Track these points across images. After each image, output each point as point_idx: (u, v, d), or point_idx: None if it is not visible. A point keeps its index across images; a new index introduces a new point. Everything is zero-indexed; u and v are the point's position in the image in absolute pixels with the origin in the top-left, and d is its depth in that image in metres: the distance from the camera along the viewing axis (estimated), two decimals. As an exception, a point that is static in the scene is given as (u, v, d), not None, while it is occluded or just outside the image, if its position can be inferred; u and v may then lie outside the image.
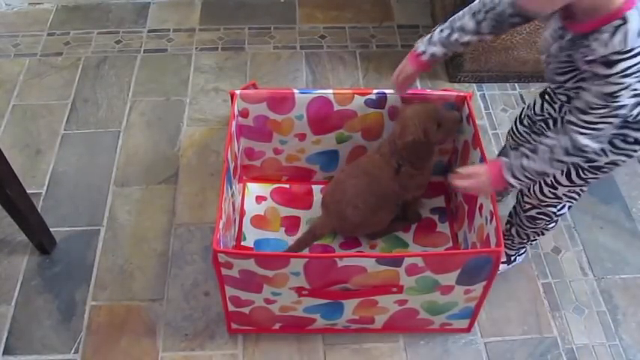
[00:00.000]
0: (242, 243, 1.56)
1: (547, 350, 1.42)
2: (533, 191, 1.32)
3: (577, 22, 1.01)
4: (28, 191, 1.45)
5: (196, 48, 2.11)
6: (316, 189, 1.68)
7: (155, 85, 1.98)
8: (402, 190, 1.48)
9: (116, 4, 2.26)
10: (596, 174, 1.22)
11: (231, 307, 1.33)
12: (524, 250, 1.53)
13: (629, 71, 0.96)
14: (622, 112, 1.01)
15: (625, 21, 0.94)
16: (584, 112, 1.03)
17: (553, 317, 1.47)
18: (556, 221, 1.40)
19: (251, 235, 1.58)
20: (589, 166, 1.21)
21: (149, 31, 2.17)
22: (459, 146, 1.52)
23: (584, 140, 1.05)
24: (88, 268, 1.53)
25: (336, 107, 1.51)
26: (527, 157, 1.12)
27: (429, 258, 1.20)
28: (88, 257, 1.55)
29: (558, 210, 1.35)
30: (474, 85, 1.99)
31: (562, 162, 1.09)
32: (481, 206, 1.34)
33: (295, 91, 1.49)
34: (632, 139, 1.15)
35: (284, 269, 1.19)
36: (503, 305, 1.48)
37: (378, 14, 2.25)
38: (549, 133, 1.11)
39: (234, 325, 1.40)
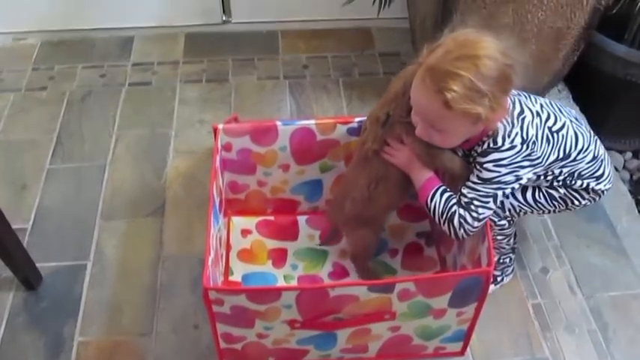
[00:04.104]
0: (230, 278, 1.55)
1: (539, 371, 1.42)
2: None
3: (462, 143, 1.25)
4: (13, 226, 1.43)
5: (180, 80, 2.12)
6: (301, 220, 1.68)
7: (140, 118, 1.98)
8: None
9: (100, 39, 2.27)
10: (547, 204, 1.39)
11: (223, 344, 1.32)
12: (510, 270, 1.55)
13: (500, 160, 1.21)
14: (491, 203, 1.25)
15: (494, 131, 1.21)
16: (466, 189, 1.26)
17: (544, 338, 1.48)
18: (506, 235, 1.45)
19: (238, 270, 1.57)
20: (546, 190, 1.37)
21: (133, 65, 2.18)
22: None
23: (460, 210, 1.25)
24: (75, 304, 1.52)
25: (319, 137, 1.52)
26: (448, 196, 1.28)
27: (420, 282, 1.20)
28: (75, 292, 1.54)
29: (498, 221, 1.40)
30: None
31: (444, 218, 1.28)
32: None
33: (278, 122, 1.50)
34: (577, 187, 1.37)
35: (276, 303, 1.19)
36: (494, 328, 1.48)
37: (359, 43, 2.28)
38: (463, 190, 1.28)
39: (226, 361, 1.38)
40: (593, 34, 1.79)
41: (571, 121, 1.31)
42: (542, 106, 1.28)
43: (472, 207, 1.24)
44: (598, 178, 1.35)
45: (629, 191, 1.83)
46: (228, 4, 2.27)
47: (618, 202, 1.77)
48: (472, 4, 1.62)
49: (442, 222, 1.27)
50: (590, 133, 1.35)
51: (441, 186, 1.29)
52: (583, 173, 1.33)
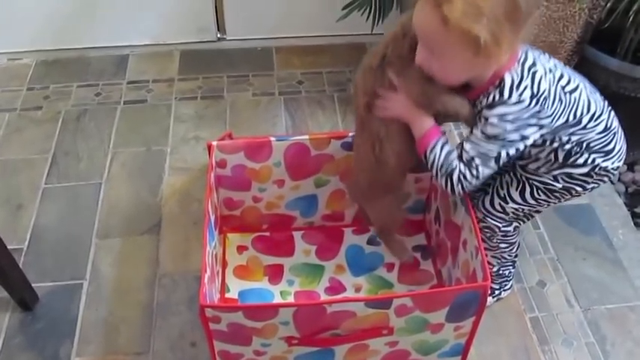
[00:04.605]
0: (226, 295, 1.55)
1: (538, 385, 1.42)
2: (482, 202, 1.37)
3: (468, 91, 1.19)
4: (9, 247, 1.43)
5: (176, 97, 2.13)
6: (297, 235, 1.68)
7: (136, 136, 1.99)
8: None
9: (95, 57, 2.28)
10: (550, 197, 1.31)
11: (220, 363, 1.31)
12: (508, 285, 1.54)
13: (506, 115, 1.13)
14: (493, 163, 1.18)
15: (502, 81, 1.13)
16: (468, 144, 1.19)
17: (542, 351, 1.47)
18: (510, 243, 1.44)
19: (235, 287, 1.57)
20: (544, 187, 1.30)
21: (128, 83, 2.19)
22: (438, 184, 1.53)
23: (460, 165, 1.20)
24: (71, 323, 1.51)
25: (313, 152, 1.52)
26: (445, 147, 1.21)
27: (418, 297, 1.19)
28: (72, 312, 1.53)
29: (503, 227, 1.38)
30: (451, 123, 2.02)
31: (442, 171, 1.22)
32: (465, 241, 1.35)
33: (272, 138, 1.50)
34: (577, 175, 1.27)
35: (273, 320, 1.18)
36: (492, 342, 1.48)
37: (353, 58, 2.29)
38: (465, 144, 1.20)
39: (224, 379, 1.37)
40: (586, 48, 1.81)
41: (585, 86, 1.23)
42: (555, 65, 1.19)
43: (473, 164, 1.18)
44: (607, 153, 1.26)
45: (625, 203, 1.83)
46: (222, 22, 2.29)
47: (614, 215, 1.78)
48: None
49: (440, 176, 1.22)
50: (604, 102, 1.26)
51: (441, 138, 1.22)
52: (592, 145, 1.24)
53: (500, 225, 1.38)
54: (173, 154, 1.93)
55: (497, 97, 1.13)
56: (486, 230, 1.41)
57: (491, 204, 1.36)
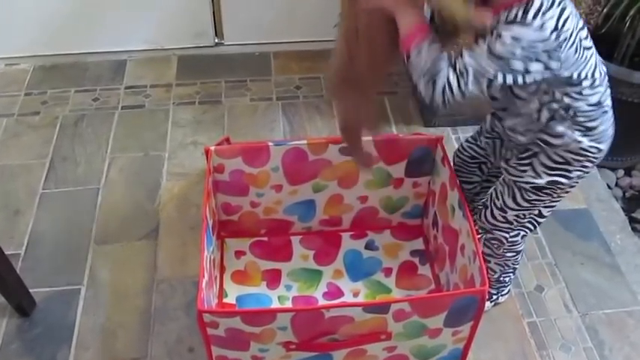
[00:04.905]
0: (224, 300, 1.54)
1: (536, 390, 1.42)
2: (485, 216, 1.36)
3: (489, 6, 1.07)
4: (6, 252, 1.42)
5: (174, 103, 2.13)
6: (295, 240, 1.68)
7: (133, 141, 1.98)
8: None
9: (93, 63, 2.28)
10: (540, 195, 1.28)
11: (218, 367, 1.31)
12: (506, 290, 1.54)
13: (521, 39, 1.03)
14: (484, 85, 1.07)
15: (528, 2, 1.03)
16: (468, 54, 1.08)
17: (541, 356, 1.47)
18: (517, 252, 1.43)
19: (233, 292, 1.57)
20: (530, 187, 1.26)
21: (126, 88, 2.19)
22: (436, 189, 1.54)
23: (450, 72, 1.08)
24: (69, 329, 1.50)
25: (311, 157, 1.52)
26: (434, 48, 1.09)
27: (416, 302, 1.19)
28: (69, 317, 1.53)
29: (511, 237, 1.38)
30: (449, 129, 2.03)
31: (427, 75, 1.09)
32: (463, 246, 1.35)
33: (269, 143, 1.50)
34: (559, 159, 1.21)
35: (271, 325, 1.18)
36: (490, 347, 1.48)
37: (351, 63, 2.29)
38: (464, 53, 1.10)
39: (221, 384, 1.37)
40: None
41: (599, 52, 1.17)
42: (579, 16, 1.11)
43: (465, 76, 1.08)
44: (588, 129, 1.18)
45: (622, 208, 1.84)
46: (220, 27, 2.29)
47: (612, 219, 1.78)
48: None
49: (422, 79, 1.10)
50: (606, 77, 1.19)
51: (429, 37, 1.09)
52: (577, 115, 1.16)
53: (507, 235, 1.38)
54: (171, 159, 1.93)
55: (519, 16, 1.03)
56: (494, 242, 1.40)
57: (493, 216, 1.35)
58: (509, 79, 1.07)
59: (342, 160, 1.53)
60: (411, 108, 2.12)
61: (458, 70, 1.08)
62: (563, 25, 1.04)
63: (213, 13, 2.26)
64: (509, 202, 1.32)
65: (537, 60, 1.05)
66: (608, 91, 1.20)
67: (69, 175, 1.87)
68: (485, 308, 1.50)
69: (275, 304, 1.54)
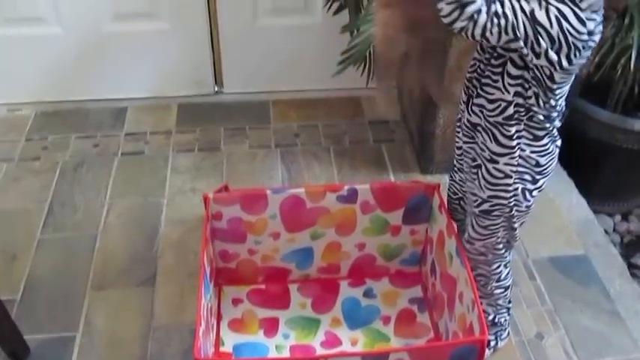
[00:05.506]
0: (221, 349, 1.53)
1: None
2: (465, 254, 1.37)
3: None
4: (1, 298, 1.42)
5: (173, 149, 2.15)
6: (293, 288, 1.67)
7: (132, 187, 1.99)
8: None
9: (94, 109, 2.30)
10: (491, 219, 1.30)
11: (213, 415, 1.29)
12: (505, 334, 1.53)
13: (564, 20, 1.00)
14: (504, 41, 1.04)
15: None
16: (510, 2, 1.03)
17: (541, 406, 1.45)
18: (505, 287, 1.43)
19: (230, 340, 1.55)
20: (479, 211, 1.29)
21: (126, 134, 2.21)
22: (434, 236, 1.54)
23: (483, 7, 1.01)
24: (63, 377, 1.49)
25: (309, 205, 1.53)
26: None
27: (414, 352, 1.19)
28: (64, 365, 1.51)
29: (493, 270, 1.39)
30: (446, 175, 2.03)
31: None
32: (461, 294, 1.35)
33: (268, 191, 1.51)
34: (499, 174, 1.23)
35: (267, 372, 1.17)
36: (490, 396, 1.46)
37: (349, 111, 2.33)
38: None
39: None
40: (577, 101, 1.84)
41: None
42: None
43: (495, 21, 1.02)
44: (535, 139, 1.20)
45: (620, 254, 1.84)
46: (220, 75, 2.33)
47: (610, 265, 1.77)
48: (458, 74, 1.66)
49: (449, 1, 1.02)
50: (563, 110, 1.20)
51: None
52: (533, 120, 1.17)
53: (488, 268, 1.39)
54: (169, 206, 1.93)
55: None
56: (480, 278, 1.41)
57: (467, 250, 1.38)
58: (527, 50, 1.04)
59: (339, 207, 1.54)
60: (409, 155, 2.14)
61: (493, 12, 1.02)
62: (594, 34, 1.04)
63: (214, 62, 2.30)
64: (472, 232, 1.34)
65: (560, 47, 1.03)
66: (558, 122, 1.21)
67: (67, 221, 1.88)
68: (485, 356, 1.49)
69: (272, 353, 1.52)
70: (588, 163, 1.95)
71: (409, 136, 2.20)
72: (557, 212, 1.91)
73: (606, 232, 1.93)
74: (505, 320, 1.52)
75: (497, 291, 1.44)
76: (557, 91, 1.14)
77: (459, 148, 1.34)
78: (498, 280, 1.42)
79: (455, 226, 1.44)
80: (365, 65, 1.81)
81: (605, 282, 1.73)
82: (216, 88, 2.36)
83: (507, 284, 1.45)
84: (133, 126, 2.25)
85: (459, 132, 1.33)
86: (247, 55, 2.27)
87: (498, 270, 1.41)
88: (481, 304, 1.43)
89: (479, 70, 1.21)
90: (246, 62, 2.29)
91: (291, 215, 1.54)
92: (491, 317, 1.49)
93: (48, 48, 2.19)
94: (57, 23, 2.15)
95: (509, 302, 1.50)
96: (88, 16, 2.14)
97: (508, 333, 1.55)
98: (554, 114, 1.19)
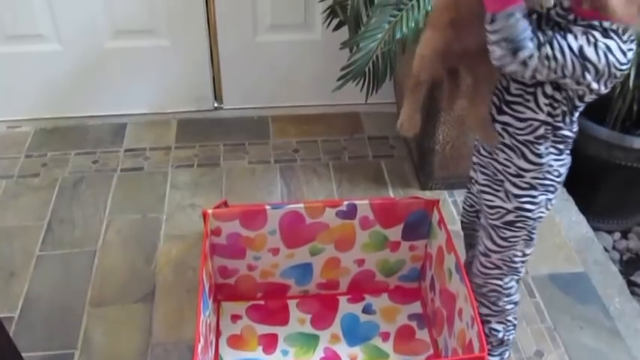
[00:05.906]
0: (220, 364, 1.52)
1: None
2: (476, 267, 1.37)
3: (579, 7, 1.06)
4: (0, 316, 1.41)
5: (172, 165, 2.15)
6: (292, 304, 1.67)
7: (131, 203, 1.99)
8: None
9: (93, 126, 2.31)
10: (513, 230, 1.29)
11: None
12: (507, 354, 1.52)
13: (610, 54, 1.03)
14: (552, 77, 1.06)
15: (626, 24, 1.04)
16: (559, 43, 1.04)
17: None
18: (514, 303, 1.42)
19: (228, 357, 1.54)
20: (501, 223, 1.29)
21: (126, 151, 2.21)
22: (433, 252, 1.54)
23: (535, 51, 1.04)
24: (60, 395, 1.48)
25: (308, 220, 1.53)
26: (524, 20, 1.04)
27: (412, 368, 1.18)
28: (61, 383, 1.50)
29: (505, 283, 1.38)
30: (445, 192, 2.04)
31: (510, 43, 1.04)
32: (460, 311, 1.34)
33: (267, 206, 1.51)
34: (525, 185, 1.24)
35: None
36: (490, 414, 1.45)
37: (348, 127, 2.33)
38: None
39: None
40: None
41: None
42: None
43: (545, 61, 1.04)
44: (560, 152, 1.23)
45: (620, 271, 1.83)
46: (219, 91, 2.34)
47: (610, 283, 1.77)
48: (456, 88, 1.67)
49: (502, 44, 1.04)
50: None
51: (522, 6, 1.03)
52: (558, 137, 1.20)
53: (501, 282, 1.38)
54: (169, 222, 1.93)
55: (619, 31, 1.03)
56: (492, 294, 1.40)
57: (482, 264, 1.37)
58: (571, 81, 1.07)
59: (338, 223, 1.54)
60: (408, 171, 2.14)
61: (544, 56, 1.04)
62: (627, 63, 1.06)
63: (213, 78, 2.31)
64: (489, 245, 1.34)
65: (601, 77, 1.05)
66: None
67: (66, 237, 1.87)
68: (485, 374, 1.48)
69: (271, 370, 1.51)
70: (587, 180, 1.95)
71: (408, 152, 2.21)
72: (557, 229, 1.91)
73: (606, 249, 1.92)
74: (512, 338, 1.50)
75: (508, 307, 1.43)
76: (581, 109, 1.17)
77: (475, 163, 1.35)
78: (509, 296, 1.41)
79: (454, 242, 1.43)
80: (364, 81, 1.82)
81: (604, 300, 1.72)
82: (215, 104, 2.37)
83: (517, 299, 1.44)
84: (132, 142, 2.25)
85: (476, 146, 1.34)
86: (247, 71, 2.28)
87: (510, 284, 1.39)
88: (489, 322, 1.43)
89: (500, 88, 1.22)
90: (245, 78, 2.30)
91: (291, 231, 1.54)
92: (500, 335, 1.47)
93: (47, 65, 2.20)
94: (56, 40, 2.16)
95: (516, 319, 1.49)
96: (88, 33, 2.15)
97: (509, 354, 1.54)
98: (575, 128, 1.21)
